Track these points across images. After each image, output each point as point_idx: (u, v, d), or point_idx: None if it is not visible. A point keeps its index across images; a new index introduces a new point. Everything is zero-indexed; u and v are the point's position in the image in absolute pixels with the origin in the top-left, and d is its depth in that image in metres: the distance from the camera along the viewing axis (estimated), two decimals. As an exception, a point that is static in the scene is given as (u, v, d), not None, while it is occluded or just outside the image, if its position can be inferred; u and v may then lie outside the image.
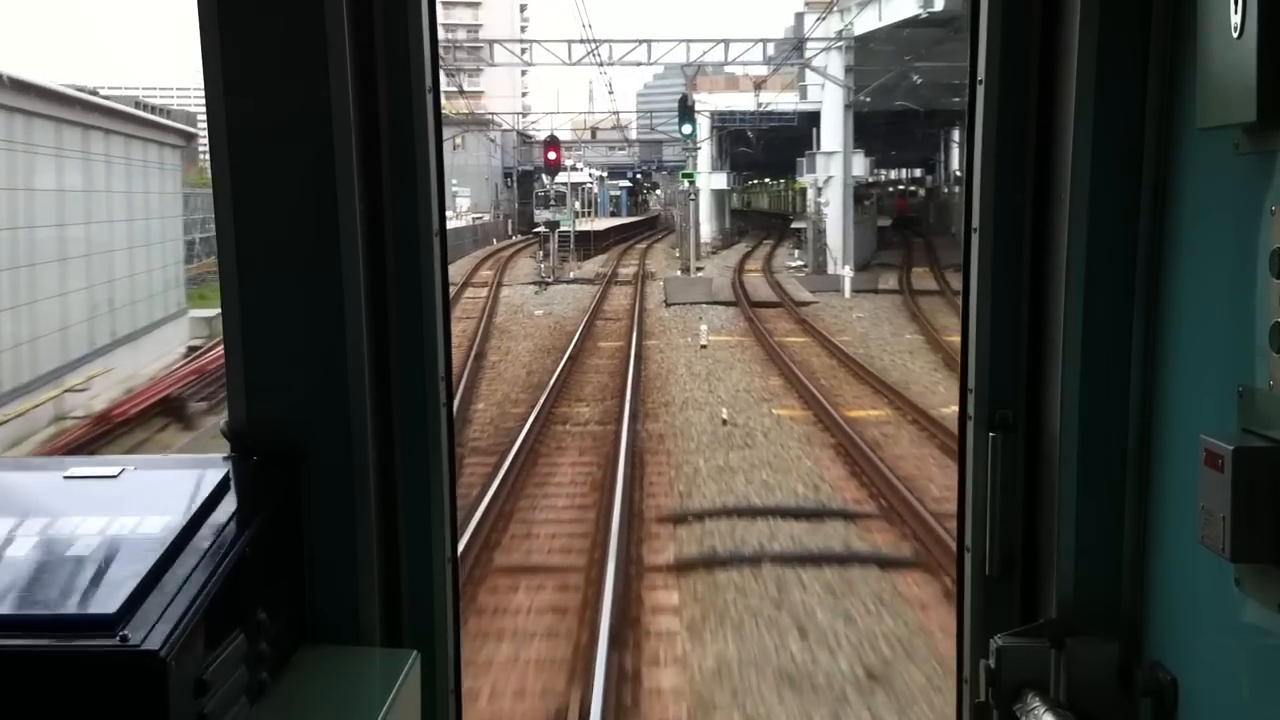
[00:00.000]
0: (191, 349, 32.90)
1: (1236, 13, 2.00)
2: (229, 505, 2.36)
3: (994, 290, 2.69)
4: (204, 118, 2.61)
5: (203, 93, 2.55)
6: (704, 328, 31.36)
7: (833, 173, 51.74)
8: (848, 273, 43.25)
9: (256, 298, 2.61)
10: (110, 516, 2.25)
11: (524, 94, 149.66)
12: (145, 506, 2.29)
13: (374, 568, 2.67)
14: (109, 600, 1.99)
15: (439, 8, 2.79)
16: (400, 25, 2.64)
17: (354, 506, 2.64)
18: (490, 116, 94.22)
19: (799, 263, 55.61)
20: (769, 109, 63.89)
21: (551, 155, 56.37)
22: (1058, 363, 2.58)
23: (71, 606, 2.01)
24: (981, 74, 2.63)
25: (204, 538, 2.22)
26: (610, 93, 57.29)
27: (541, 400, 21.76)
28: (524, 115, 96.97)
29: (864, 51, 48.22)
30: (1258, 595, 2.09)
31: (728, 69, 62.86)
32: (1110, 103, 2.48)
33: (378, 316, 2.67)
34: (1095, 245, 2.52)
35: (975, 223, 2.70)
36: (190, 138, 37.23)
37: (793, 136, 64.93)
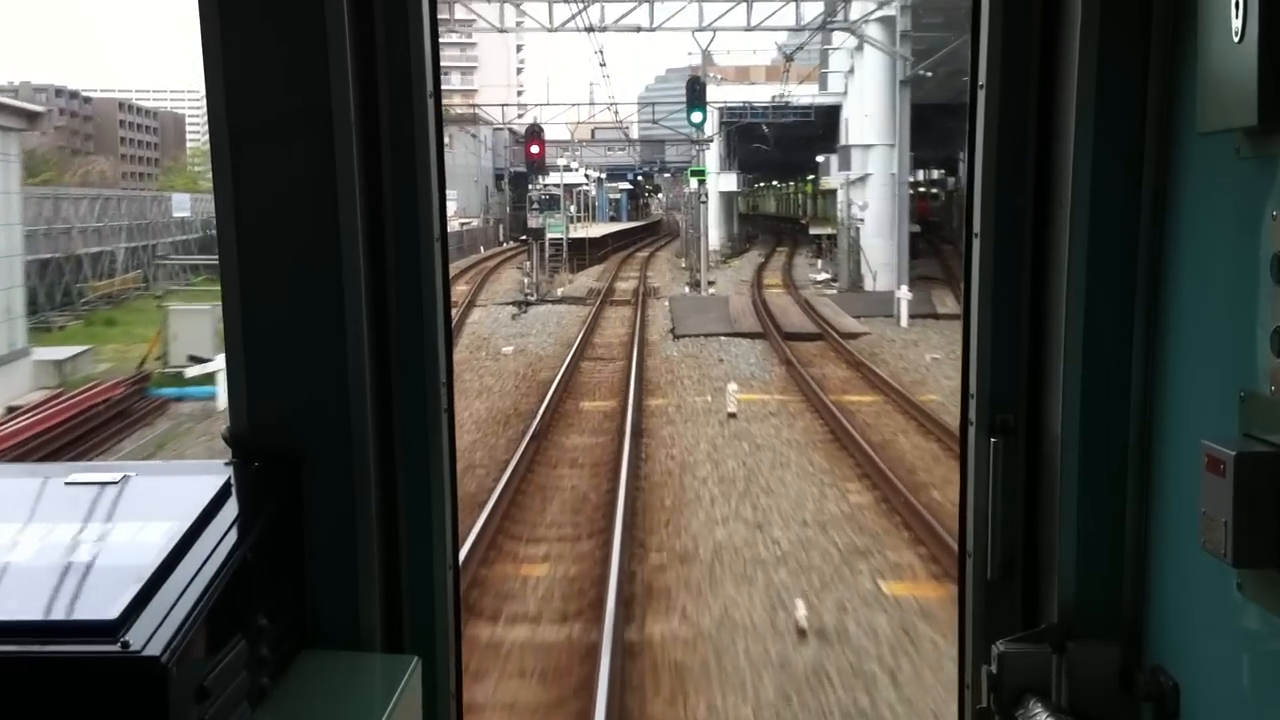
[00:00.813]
0: (12, 409, 23.72)
1: (1237, 16, 2.02)
2: (230, 510, 2.40)
3: (995, 294, 2.73)
4: (203, 118, 2.62)
5: (202, 93, 2.56)
6: (732, 386, 21.85)
7: (871, 169, 43.32)
8: (904, 294, 33.80)
9: (257, 302, 2.64)
10: (112, 522, 2.32)
11: (520, 92, 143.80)
12: (146, 512, 2.36)
13: (375, 573, 2.70)
14: (110, 606, 2.00)
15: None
16: (401, 26, 2.67)
17: (355, 512, 2.67)
18: (474, 111, 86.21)
19: (825, 276, 47.73)
20: (784, 102, 56.50)
21: (534, 149, 47.12)
22: (1059, 367, 2.60)
23: (73, 612, 2.04)
24: (982, 78, 2.68)
25: (205, 543, 2.26)
26: (602, 64, 48.99)
27: (469, 543, 12.46)
28: (519, 114, 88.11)
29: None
30: (1259, 600, 2.10)
31: (746, 41, 55.48)
32: (1111, 106, 2.52)
33: (378, 320, 2.71)
34: (1096, 249, 2.55)
35: (976, 227, 2.73)
36: (34, 118, 27.73)
37: (804, 135, 60.60)
